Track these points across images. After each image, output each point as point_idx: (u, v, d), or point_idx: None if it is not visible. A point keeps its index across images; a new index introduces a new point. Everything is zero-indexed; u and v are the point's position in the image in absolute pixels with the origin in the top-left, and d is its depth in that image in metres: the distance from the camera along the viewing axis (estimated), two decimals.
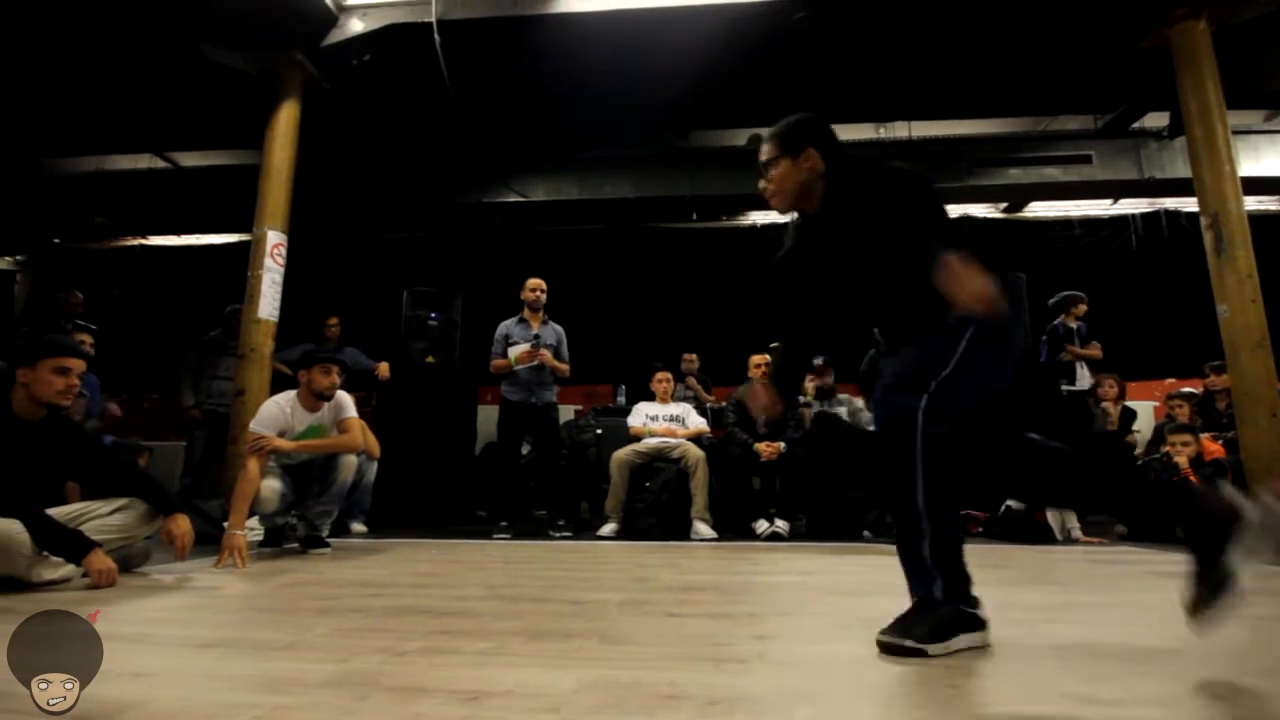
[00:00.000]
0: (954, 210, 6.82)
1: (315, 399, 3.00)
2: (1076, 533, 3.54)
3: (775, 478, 3.97)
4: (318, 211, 6.32)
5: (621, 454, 4.01)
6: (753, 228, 7.08)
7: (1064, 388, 5.08)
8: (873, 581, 2.20)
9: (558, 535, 3.82)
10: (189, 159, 6.79)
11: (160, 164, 6.76)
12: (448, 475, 4.70)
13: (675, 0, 4.29)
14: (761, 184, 1.62)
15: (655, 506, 3.90)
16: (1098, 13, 4.37)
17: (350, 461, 3.03)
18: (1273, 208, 6.51)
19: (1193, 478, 3.45)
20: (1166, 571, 2.47)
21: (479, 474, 5.05)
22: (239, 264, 4.52)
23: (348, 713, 0.92)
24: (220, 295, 5.12)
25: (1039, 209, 6.89)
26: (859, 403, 4.29)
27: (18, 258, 7.80)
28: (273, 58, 4.48)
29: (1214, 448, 3.63)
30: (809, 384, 4.22)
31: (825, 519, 3.86)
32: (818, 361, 4.33)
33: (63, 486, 2.59)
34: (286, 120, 4.53)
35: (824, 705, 0.96)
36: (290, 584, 2.11)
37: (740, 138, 6.33)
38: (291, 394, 3.04)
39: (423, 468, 4.56)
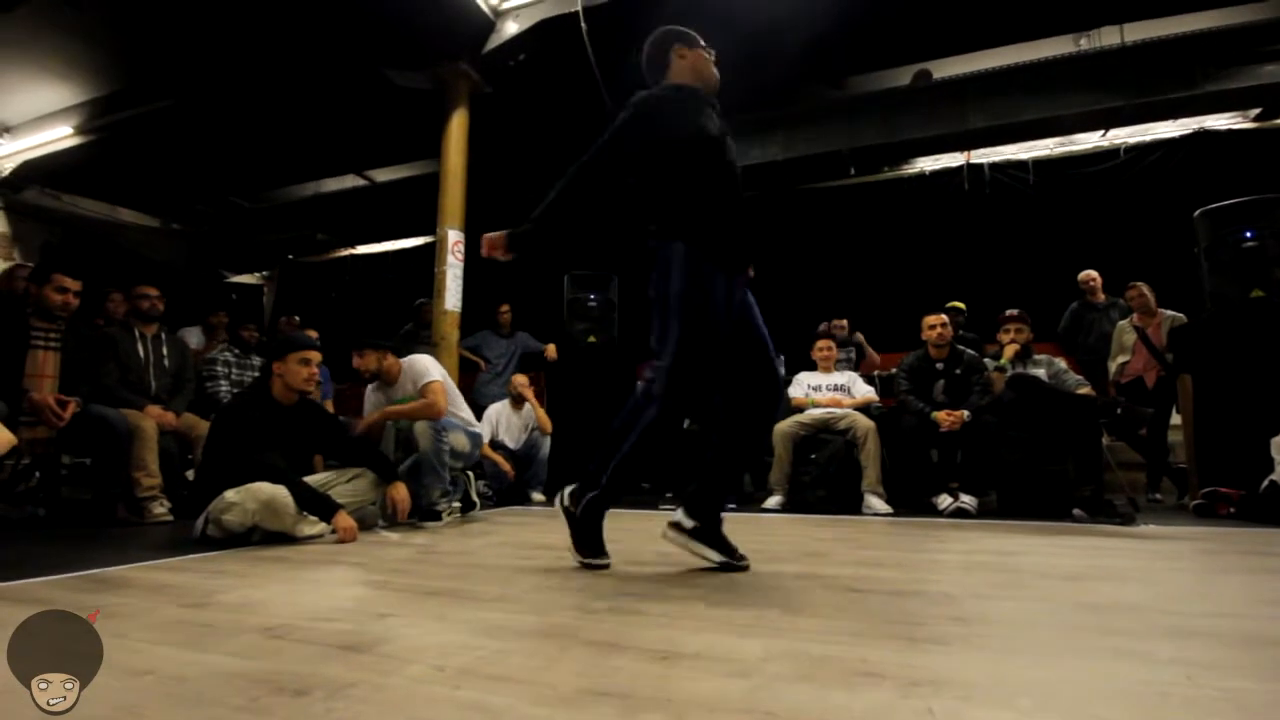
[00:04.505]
0: (1189, 124, 5.62)
1: (381, 379, 3.19)
2: None
3: (956, 449, 3.62)
4: (487, 208, 6.88)
5: (785, 426, 3.91)
6: (920, 176, 6.43)
7: None
8: (1094, 565, 1.92)
9: None
10: (382, 174, 7.75)
11: (361, 182, 7.80)
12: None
13: None
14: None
15: (822, 479, 3.77)
16: None
17: (421, 430, 2.95)
18: None
19: None
20: None
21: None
22: (427, 263, 5.08)
23: (555, 660, 1.00)
24: (415, 292, 5.80)
25: None
26: (1060, 363, 3.74)
27: (264, 273, 9.49)
28: (444, 71, 4.92)
29: None
30: (1007, 344, 3.72)
31: (1023, 495, 3.45)
32: (1011, 312, 3.83)
33: (312, 459, 3.13)
34: (458, 127, 4.97)
35: (1049, 698, 0.86)
36: (490, 544, 2.36)
37: (904, 76, 5.75)
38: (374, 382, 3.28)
39: (589, 442, 4.83)
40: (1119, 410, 3.32)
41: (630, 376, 5.53)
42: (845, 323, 5.37)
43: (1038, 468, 3.42)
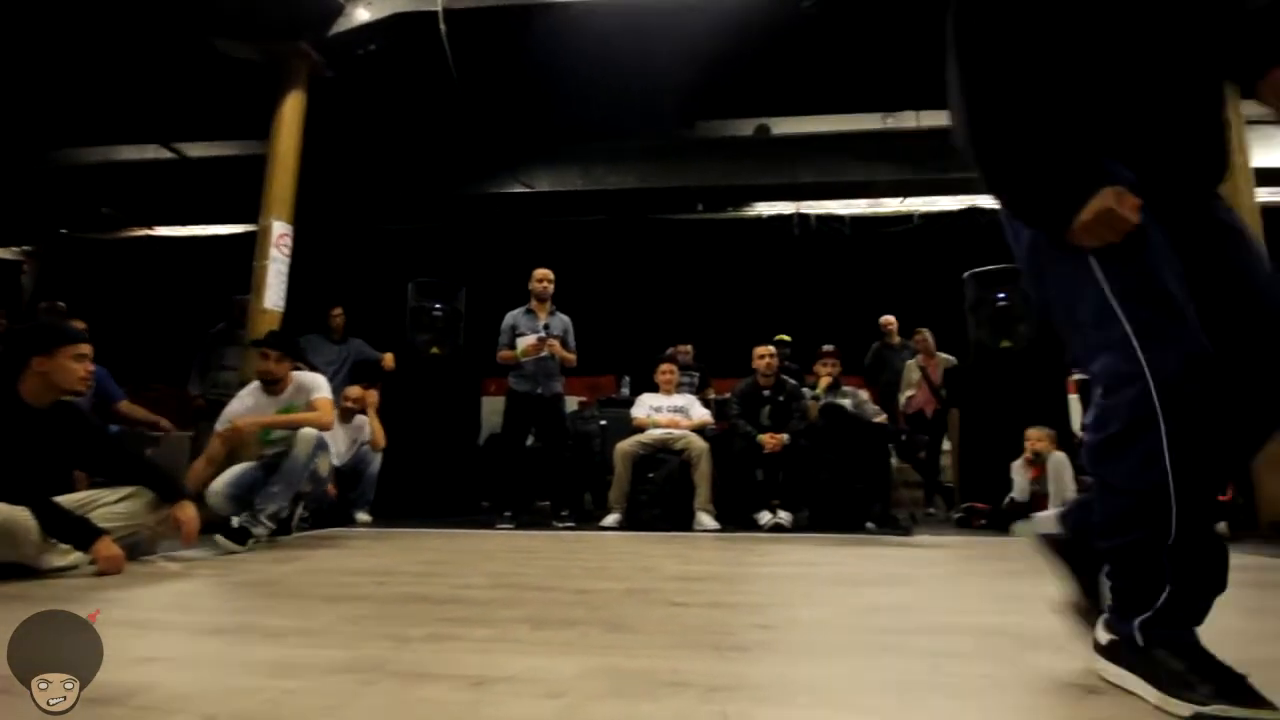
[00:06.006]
0: (965, 200, 6.77)
1: (267, 384, 3.00)
2: None
3: (778, 469, 3.97)
4: (323, 202, 6.31)
5: (625, 445, 4.02)
6: (758, 219, 7.05)
7: (1079, 377, 5.06)
8: (878, 573, 2.21)
9: (561, 526, 3.84)
10: (195, 149, 6.80)
11: (167, 154, 6.77)
12: (451, 466, 4.73)
13: None
14: None
15: (659, 497, 3.91)
16: None
17: (307, 436, 2.85)
18: None
19: None
20: None
21: (482, 464, 5.07)
22: (245, 254, 4.53)
23: (354, 697, 0.93)
24: (227, 286, 5.14)
25: None
26: (863, 394, 4.28)
27: (25, 248, 7.83)
28: (279, 47, 4.47)
29: None
30: (822, 376, 4.19)
31: (829, 511, 3.86)
32: (827, 348, 4.32)
33: (71, 474, 2.61)
34: (292, 110, 4.53)
35: (824, 693, 0.97)
36: (298, 571, 2.13)
37: (747, 128, 6.29)
38: (255, 384, 3.05)
39: (427, 458, 4.59)
40: (903, 437, 3.87)
41: (475, 391, 5.35)
42: (690, 348, 5.68)
43: (843, 486, 3.85)
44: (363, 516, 4.05)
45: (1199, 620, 0.91)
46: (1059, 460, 3.64)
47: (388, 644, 1.21)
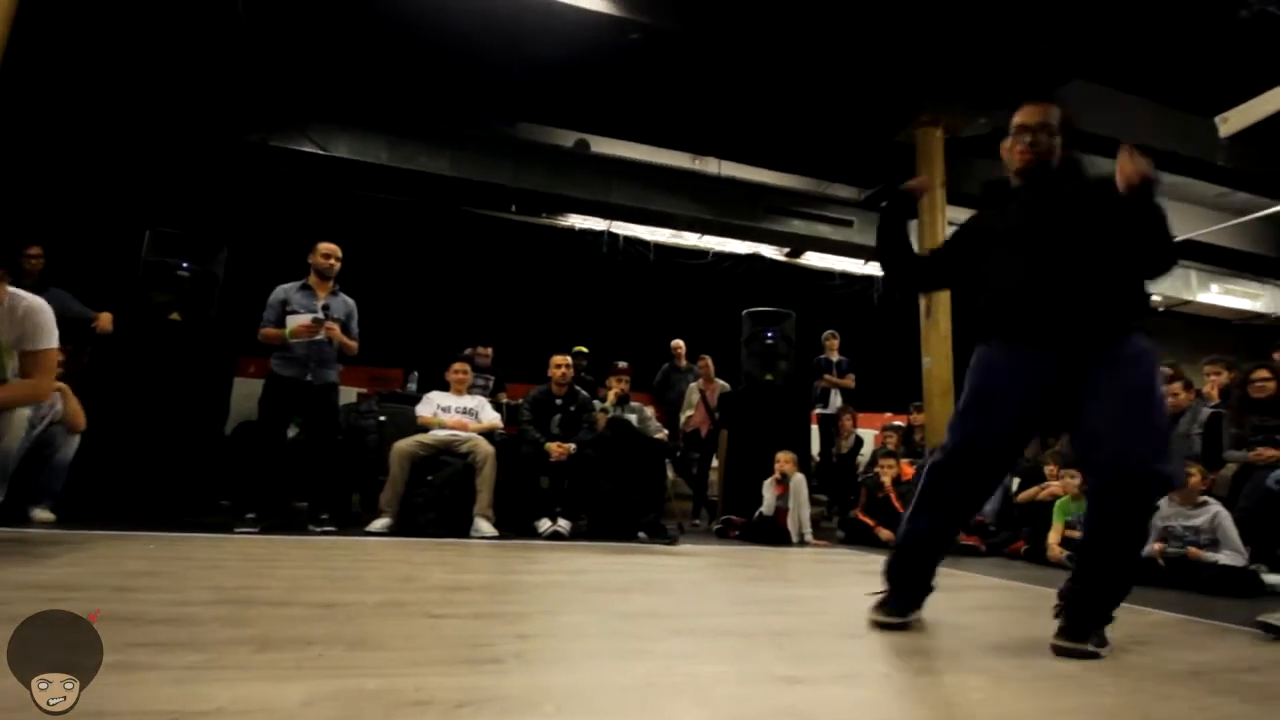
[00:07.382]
0: (751, 247, 7.62)
1: None
2: (809, 536, 4.16)
3: (564, 478, 4.03)
4: (31, 116, 4.98)
5: (404, 444, 3.76)
6: (571, 230, 7.16)
7: (820, 411, 5.98)
8: (640, 580, 2.35)
9: (318, 530, 3.45)
10: None
11: None
12: (184, 457, 3.97)
13: None
14: (1030, 140, 1.72)
15: (436, 501, 3.71)
16: (867, 105, 5.27)
17: (20, 417, 2.29)
18: None
19: (892, 494, 4.27)
20: (869, 570, 3.02)
21: (228, 457, 4.35)
22: None
23: None
24: None
25: (813, 259, 8.02)
26: (649, 411, 4.56)
27: None
28: None
29: (910, 471, 4.53)
30: (612, 390, 4.37)
31: (606, 519, 4.02)
32: (619, 364, 4.52)
33: None
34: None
35: (569, 700, 1.00)
36: None
37: (568, 139, 6.38)
38: None
39: (148, 446, 3.80)
40: (678, 453, 4.20)
41: (226, 371, 4.58)
42: (490, 351, 5.52)
43: (622, 496, 4.04)
44: (42, 514, 3.21)
45: None
46: (799, 481, 4.25)
47: None
